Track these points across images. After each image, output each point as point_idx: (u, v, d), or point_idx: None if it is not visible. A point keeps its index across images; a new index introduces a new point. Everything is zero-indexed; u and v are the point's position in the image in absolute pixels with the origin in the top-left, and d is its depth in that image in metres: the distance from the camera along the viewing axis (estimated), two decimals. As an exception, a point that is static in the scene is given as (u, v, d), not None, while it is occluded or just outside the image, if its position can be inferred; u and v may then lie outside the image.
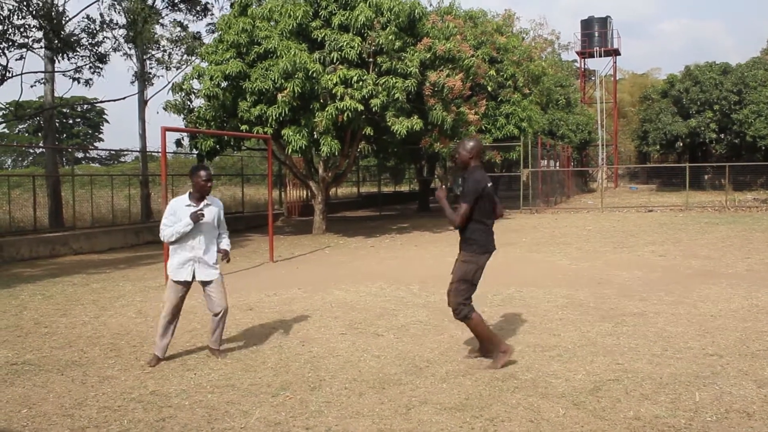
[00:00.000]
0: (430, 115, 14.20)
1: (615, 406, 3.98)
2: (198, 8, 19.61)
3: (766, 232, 13.73)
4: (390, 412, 3.98)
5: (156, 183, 18.79)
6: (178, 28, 20.08)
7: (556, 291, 7.70)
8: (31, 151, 45.11)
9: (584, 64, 42.65)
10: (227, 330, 5.78)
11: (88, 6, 27.05)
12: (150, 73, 19.74)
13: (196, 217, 5.02)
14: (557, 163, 28.67)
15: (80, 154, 45.53)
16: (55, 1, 14.56)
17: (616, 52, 40.27)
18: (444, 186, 4.69)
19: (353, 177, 28.52)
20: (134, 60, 19.29)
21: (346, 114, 13.08)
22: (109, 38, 18.84)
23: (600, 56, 40.40)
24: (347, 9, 13.81)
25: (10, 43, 13.54)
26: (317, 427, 3.78)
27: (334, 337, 5.81)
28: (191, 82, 14.50)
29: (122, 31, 17.78)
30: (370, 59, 13.70)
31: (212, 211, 5.20)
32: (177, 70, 20.14)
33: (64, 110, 42.91)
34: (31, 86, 16.87)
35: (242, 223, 18.58)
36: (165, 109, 14.68)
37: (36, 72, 16.12)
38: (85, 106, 44.02)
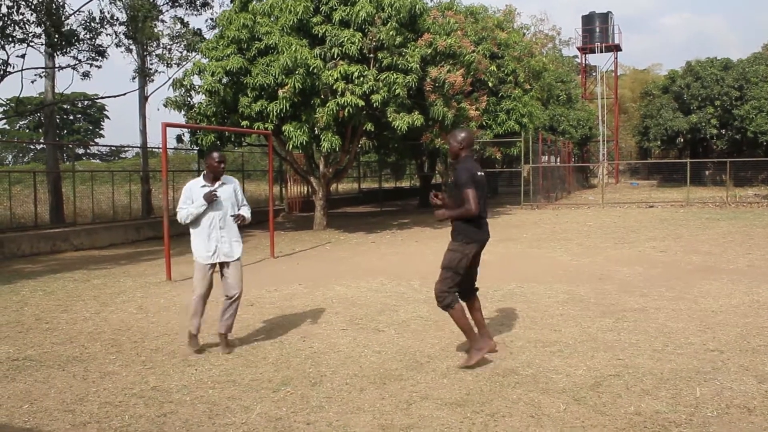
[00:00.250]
0: (431, 111, 14.19)
1: (616, 401, 3.98)
2: (198, 1, 19.53)
3: (767, 227, 13.72)
4: (391, 407, 3.99)
5: (157, 179, 18.76)
6: (179, 24, 20.03)
7: (557, 287, 7.70)
8: (32, 147, 45.19)
9: (585, 59, 42.57)
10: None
11: (88, 1, 27.02)
12: (150, 69, 19.72)
13: (210, 197, 5.11)
14: (558, 159, 28.61)
15: (81, 150, 45.64)
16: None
17: (617, 48, 40.15)
18: (437, 193, 4.71)
19: (354, 173, 28.48)
20: (135, 56, 19.28)
21: (346, 110, 13.06)
22: (109, 34, 18.71)
23: (601, 52, 40.25)
24: (348, 4, 13.77)
25: (10, 39, 13.51)
26: (318, 422, 3.79)
27: (335, 333, 5.81)
28: (192, 78, 14.47)
29: (122, 28, 17.77)
30: (371, 55, 13.67)
31: (227, 190, 5.28)
32: (177, 66, 20.08)
33: (65, 106, 42.92)
34: (32, 81, 16.82)
35: (243, 218, 18.52)
36: (166, 105, 14.69)
37: (36, 68, 16.10)
38: (86, 102, 44.03)
